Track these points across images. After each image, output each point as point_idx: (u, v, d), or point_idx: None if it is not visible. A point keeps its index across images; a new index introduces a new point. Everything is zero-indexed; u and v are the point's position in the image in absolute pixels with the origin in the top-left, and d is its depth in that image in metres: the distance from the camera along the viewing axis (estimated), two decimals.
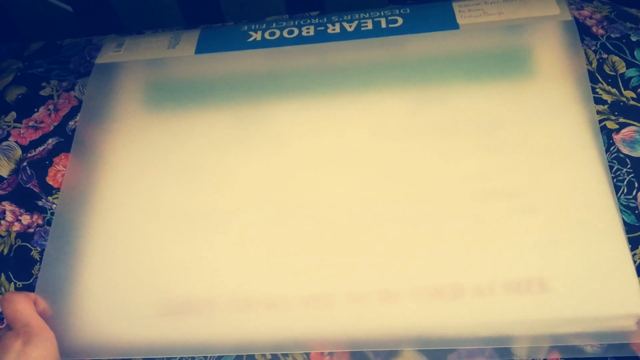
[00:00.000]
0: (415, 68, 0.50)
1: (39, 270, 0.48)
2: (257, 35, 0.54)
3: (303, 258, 0.44)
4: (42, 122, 0.55)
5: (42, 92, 0.57)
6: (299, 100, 0.50)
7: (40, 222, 0.50)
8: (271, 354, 0.42)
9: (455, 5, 0.53)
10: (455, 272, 0.42)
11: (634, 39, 0.51)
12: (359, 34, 0.52)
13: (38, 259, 0.48)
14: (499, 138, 0.46)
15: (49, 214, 0.50)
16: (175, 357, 0.43)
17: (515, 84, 0.48)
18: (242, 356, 0.42)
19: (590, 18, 0.53)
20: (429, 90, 0.49)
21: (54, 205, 0.50)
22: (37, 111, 0.55)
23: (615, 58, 0.50)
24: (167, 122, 0.51)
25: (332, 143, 0.48)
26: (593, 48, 0.51)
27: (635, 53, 0.50)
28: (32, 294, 0.44)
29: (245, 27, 0.55)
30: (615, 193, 0.44)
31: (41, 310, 0.44)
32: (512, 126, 0.47)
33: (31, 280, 0.48)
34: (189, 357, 0.43)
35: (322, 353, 0.42)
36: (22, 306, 0.40)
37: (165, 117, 0.51)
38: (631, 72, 0.49)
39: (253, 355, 0.42)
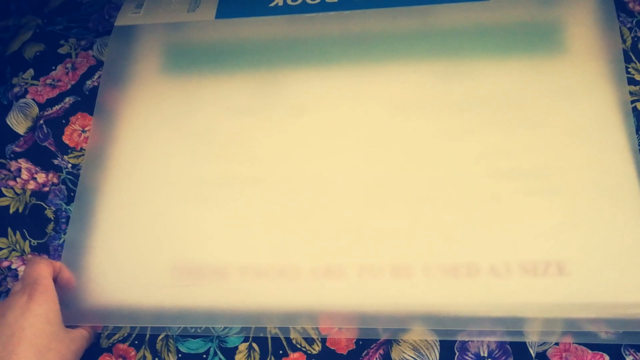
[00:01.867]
0: (441, 40, 0.48)
1: (52, 230, 0.48)
2: (279, 0, 0.53)
3: (316, 229, 0.43)
4: (59, 80, 0.54)
5: (60, 50, 0.56)
6: (319, 70, 0.49)
7: (55, 180, 0.50)
8: (279, 328, 0.42)
9: None
10: (472, 251, 0.41)
11: None
12: (385, 2, 0.50)
13: (52, 218, 0.49)
14: (523, 116, 0.45)
15: (64, 173, 0.50)
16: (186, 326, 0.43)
17: (545, 60, 0.46)
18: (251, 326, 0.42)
19: None
20: (454, 63, 0.47)
21: (69, 165, 0.50)
22: (55, 69, 0.55)
23: None
24: (185, 87, 0.50)
25: (351, 115, 0.47)
26: (628, 25, 0.48)
27: None
28: (57, 263, 0.44)
29: None
30: None
31: (65, 279, 0.44)
32: (539, 104, 0.45)
33: (45, 239, 0.48)
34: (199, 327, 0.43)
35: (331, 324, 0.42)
36: (41, 267, 0.41)
37: (183, 82, 0.51)
38: None
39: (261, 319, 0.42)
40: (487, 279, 0.40)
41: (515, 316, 0.40)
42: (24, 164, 0.51)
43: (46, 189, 0.50)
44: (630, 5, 0.49)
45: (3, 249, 0.48)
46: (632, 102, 0.45)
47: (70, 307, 0.43)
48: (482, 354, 0.40)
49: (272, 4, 0.53)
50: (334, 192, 0.44)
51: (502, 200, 0.42)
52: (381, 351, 0.41)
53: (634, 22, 0.49)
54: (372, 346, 0.41)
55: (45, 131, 0.52)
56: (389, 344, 0.41)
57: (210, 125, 0.48)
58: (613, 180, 0.42)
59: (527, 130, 0.44)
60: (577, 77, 0.45)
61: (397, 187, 0.44)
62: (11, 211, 0.49)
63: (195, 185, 0.46)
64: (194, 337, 0.43)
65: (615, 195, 0.42)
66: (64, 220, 0.48)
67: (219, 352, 0.42)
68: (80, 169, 0.49)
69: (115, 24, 0.54)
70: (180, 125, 0.49)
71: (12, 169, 0.51)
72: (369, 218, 0.43)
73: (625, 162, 0.42)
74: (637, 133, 0.44)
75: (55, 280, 0.42)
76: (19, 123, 0.53)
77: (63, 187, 0.50)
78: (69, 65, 0.55)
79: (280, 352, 0.42)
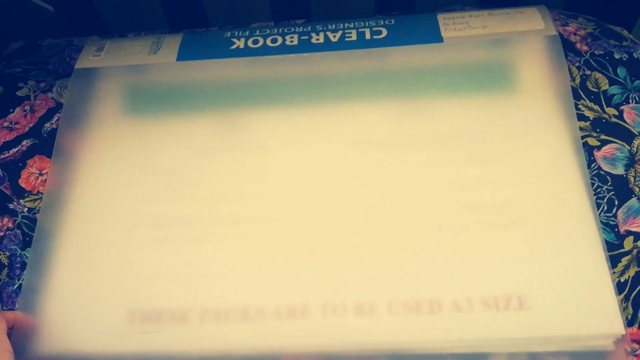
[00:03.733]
0: (399, 80, 0.50)
1: (6, 276, 0.46)
2: (240, 43, 0.53)
3: (278, 268, 0.43)
4: (17, 123, 0.53)
5: (19, 93, 0.55)
6: (281, 110, 0.50)
7: (10, 225, 0.49)
8: None
9: (440, 18, 0.52)
10: (434, 287, 0.41)
11: (617, 56, 0.51)
12: (342, 44, 0.52)
13: (6, 263, 0.47)
14: (480, 152, 0.46)
15: (20, 217, 0.49)
16: None
17: (498, 98, 0.48)
18: None
19: (575, 34, 0.53)
20: (412, 102, 0.49)
21: (25, 209, 0.49)
22: (13, 112, 0.54)
23: (598, 75, 0.50)
24: (146, 128, 0.50)
25: (313, 153, 0.47)
26: (577, 64, 0.51)
27: (618, 70, 0.50)
28: (11, 313, 0.42)
29: (229, 34, 0.54)
30: (596, 210, 0.43)
31: (22, 326, 0.42)
32: (494, 140, 0.46)
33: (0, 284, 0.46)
34: None
35: None
36: None
37: (145, 123, 0.50)
38: (614, 90, 0.49)
39: None
40: (450, 315, 0.40)
41: (480, 352, 0.40)
42: None
43: (1, 233, 0.48)
44: (578, 45, 0.52)
45: None
46: (583, 137, 0.47)
47: (26, 355, 0.41)
48: None
49: (233, 47, 0.53)
50: (295, 231, 0.44)
51: (462, 235, 0.43)
52: None
53: (581, 61, 0.51)
54: None
55: (1, 175, 0.51)
56: None
57: (170, 166, 0.48)
58: (569, 213, 0.43)
59: (484, 166, 0.45)
60: (530, 114, 0.47)
61: (357, 223, 0.44)
62: None
63: (154, 226, 0.46)
64: None
65: (572, 228, 0.43)
66: (18, 265, 0.47)
67: None
68: (37, 213, 0.48)
69: (75, 67, 0.54)
70: (140, 166, 0.48)
71: None
72: (330, 256, 0.43)
73: (580, 196, 0.44)
74: (589, 167, 0.46)
75: (10, 331, 0.40)
76: None
77: (18, 231, 0.48)
78: (27, 107, 0.54)
79: None
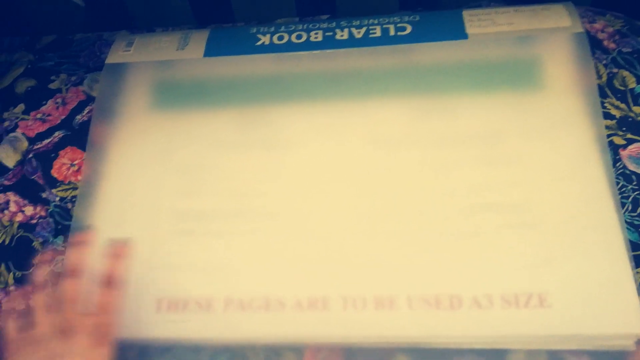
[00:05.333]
0: (422, 77, 0.50)
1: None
2: (266, 39, 0.54)
3: (300, 261, 0.44)
4: (49, 115, 0.55)
5: (51, 86, 0.57)
6: (304, 106, 0.50)
7: (43, 213, 0.50)
8: (264, 356, 0.42)
9: (465, 14, 0.52)
10: (454, 283, 0.42)
11: None
12: (366, 41, 0.52)
13: (39, 249, 0.49)
14: (503, 151, 0.46)
15: (52, 206, 0.50)
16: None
17: (522, 96, 0.48)
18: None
19: (602, 31, 0.52)
20: (434, 99, 0.49)
21: (57, 198, 0.50)
22: (45, 104, 0.56)
23: (625, 73, 0.49)
24: (173, 122, 0.51)
25: (334, 150, 0.48)
26: (604, 62, 0.50)
27: None
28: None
29: (254, 30, 0.55)
30: (620, 209, 0.43)
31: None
32: (517, 139, 0.46)
33: (30, 270, 0.48)
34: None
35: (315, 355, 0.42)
36: None
37: (172, 118, 0.51)
38: None
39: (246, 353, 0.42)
40: (470, 311, 0.40)
41: (499, 348, 0.40)
42: (12, 196, 0.51)
43: (34, 221, 0.50)
44: (605, 42, 0.51)
45: None
46: (609, 136, 0.46)
47: None
48: None
49: (259, 43, 0.54)
50: (318, 225, 0.45)
51: (484, 233, 0.43)
52: None
53: (609, 58, 0.50)
54: None
55: (34, 165, 0.52)
56: None
57: (196, 160, 0.49)
58: (592, 213, 0.43)
59: (507, 165, 0.45)
60: (554, 113, 0.47)
61: (380, 220, 0.45)
62: None
63: (179, 218, 0.47)
64: None
65: (594, 227, 0.42)
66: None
67: None
68: (68, 202, 0.50)
69: (106, 62, 0.56)
70: (167, 159, 0.49)
71: (0, 201, 0.51)
72: (353, 250, 0.44)
73: (603, 195, 0.43)
74: (614, 166, 0.45)
75: None
76: (8, 156, 0.53)
77: (51, 219, 0.50)
78: (59, 100, 0.56)
79: None
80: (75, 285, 0.40)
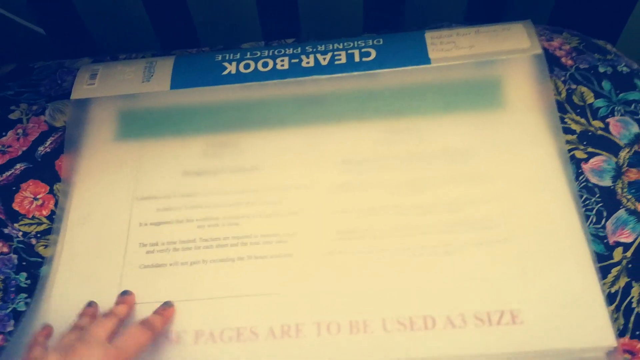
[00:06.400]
0: (388, 100, 0.51)
1: (1, 299, 0.46)
2: (232, 68, 0.54)
3: (271, 289, 0.43)
4: (10, 146, 0.54)
5: (11, 116, 0.56)
6: (272, 132, 0.50)
7: (5, 250, 0.49)
8: None
9: (427, 37, 0.53)
10: (427, 303, 0.42)
11: (601, 70, 0.52)
12: (332, 68, 0.53)
13: (1, 287, 0.47)
14: (469, 169, 0.47)
15: (15, 242, 0.49)
16: None
17: (486, 116, 0.49)
18: None
19: (560, 49, 0.54)
20: (402, 121, 0.49)
21: (20, 233, 0.49)
22: (5, 135, 0.54)
23: (583, 89, 0.51)
24: (139, 152, 0.51)
25: (305, 174, 0.48)
26: (562, 78, 0.52)
27: (603, 84, 0.51)
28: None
29: (220, 57, 0.55)
30: (585, 222, 0.44)
31: None
32: (482, 157, 0.47)
33: None
34: None
35: None
36: None
37: (137, 147, 0.51)
38: (599, 103, 0.50)
39: None
40: (444, 331, 0.40)
41: None
42: None
43: None
44: (563, 59, 0.53)
45: None
46: (570, 150, 0.48)
47: None
48: None
49: (225, 72, 0.54)
50: (289, 250, 0.45)
51: (454, 252, 0.43)
52: None
53: (567, 75, 0.52)
54: None
55: None
56: None
57: (163, 188, 0.49)
58: (558, 226, 0.44)
59: (473, 182, 0.46)
60: (517, 130, 0.48)
61: (351, 242, 0.45)
62: None
63: (148, 251, 0.46)
64: None
65: (561, 241, 0.43)
66: (12, 289, 0.47)
67: None
68: (32, 238, 0.48)
69: (70, 98, 0.54)
70: (133, 188, 0.49)
71: None
72: (324, 274, 0.44)
73: (568, 209, 0.44)
74: (576, 180, 0.46)
75: None
76: None
77: (14, 256, 0.48)
78: (19, 130, 0.54)
79: None
80: None
